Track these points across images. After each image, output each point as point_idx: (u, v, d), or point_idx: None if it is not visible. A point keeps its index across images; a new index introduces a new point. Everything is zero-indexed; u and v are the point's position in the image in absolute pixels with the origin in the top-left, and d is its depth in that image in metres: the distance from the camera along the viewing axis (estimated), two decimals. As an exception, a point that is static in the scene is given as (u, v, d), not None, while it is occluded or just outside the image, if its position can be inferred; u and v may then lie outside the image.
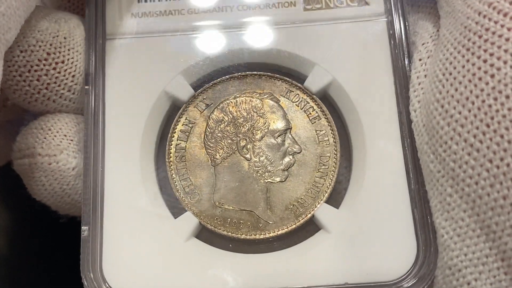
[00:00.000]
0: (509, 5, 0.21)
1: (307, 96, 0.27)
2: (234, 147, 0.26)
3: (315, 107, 0.27)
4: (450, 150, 0.22)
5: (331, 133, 0.26)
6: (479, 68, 0.22)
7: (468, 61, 0.22)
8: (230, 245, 0.25)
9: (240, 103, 0.27)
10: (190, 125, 0.27)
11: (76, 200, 0.27)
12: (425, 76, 0.25)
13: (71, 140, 0.26)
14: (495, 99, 0.21)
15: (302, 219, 0.25)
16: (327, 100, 0.27)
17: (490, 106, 0.21)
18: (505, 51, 0.21)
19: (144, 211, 0.25)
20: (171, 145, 0.26)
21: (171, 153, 0.26)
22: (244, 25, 0.27)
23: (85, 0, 0.28)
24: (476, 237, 0.22)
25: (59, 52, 0.26)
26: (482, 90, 0.21)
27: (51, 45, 0.26)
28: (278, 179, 0.26)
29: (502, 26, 0.21)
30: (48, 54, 0.26)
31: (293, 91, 0.27)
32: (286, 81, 0.27)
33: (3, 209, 0.40)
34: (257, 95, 0.27)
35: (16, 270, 0.39)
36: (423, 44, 0.26)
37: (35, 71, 0.26)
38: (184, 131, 0.27)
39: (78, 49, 0.27)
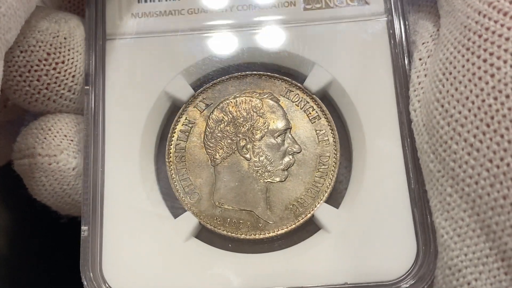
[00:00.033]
0: (509, 4, 0.21)
1: (307, 96, 0.27)
2: (234, 147, 0.26)
3: (315, 106, 0.27)
4: (450, 150, 0.22)
5: (331, 133, 0.26)
6: (479, 68, 0.21)
7: (468, 60, 0.22)
8: (230, 245, 0.25)
9: (240, 103, 0.27)
10: (190, 125, 0.27)
11: (77, 200, 0.27)
12: (425, 75, 0.25)
13: (71, 140, 0.27)
14: (495, 98, 0.21)
15: (302, 219, 0.25)
16: (327, 100, 0.27)
17: (490, 105, 0.21)
18: (505, 50, 0.21)
19: (144, 211, 0.25)
20: (171, 145, 0.27)
21: (171, 153, 0.26)
22: (244, 25, 0.27)
23: (85, 0, 0.28)
24: (476, 237, 0.22)
25: (59, 53, 0.26)
26: (482, 89, 0.21)
27: (51, 45, 0.26)
28: (277, 179, 0.26)
29: (502, 25, 0.21)
30: (48, 54, 0.26)
31: (293, 91, 0.27)
32: (286, 81, 0.27)
33: (3, 209, 0.41)
34: (257, 95, 0.27)
35: (16, 270, 0.39)
36: (423, 43, 0.26)
37: (35, 71, 0.26)
38: (184, 131, 0.27)
39: (78, 49, 0.27)
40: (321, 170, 0.26)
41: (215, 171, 0.26)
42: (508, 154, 0.21)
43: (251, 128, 0.26)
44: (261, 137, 0.26)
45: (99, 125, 0.26)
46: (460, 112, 0.22)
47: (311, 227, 0.26)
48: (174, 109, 0.27)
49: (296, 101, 0.27)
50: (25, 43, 0.25)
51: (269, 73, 0.27)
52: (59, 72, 0.26)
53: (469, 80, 0.22)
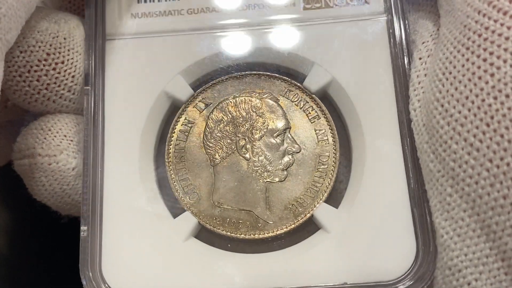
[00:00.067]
0: (508, 4, 0.21)
1: (307, 96, 0.27)
2: (233, 147, 0.26)
3: (314, 106, 0.27)
4: (450, 150, 0.22)
5: (331, 133, 0.26)
6: (479, 67, 0.21)
7: (468, 60, 0.22)
8: (229, 245, 0.25)
9: (239, 103, 0.27)
10: (190, 125, 0.27)
11: (77, 201, 0.27)
12: (425, 75, 0.25)
13: (71, 141, 0.27)
14: (495, 98, 0.21)
15: (301, 219, 0.25)
16: (326, 100, 0.27)
17: (490, 105, 0.21)
18: (505, 50, 0.21)
19: (143, 211, 0.25)
20: (170, 145, 0.27)
21: (170, 153, 0.26)
22: (243, 25, 0.27)
23: (85, 0, 0.28)
24: (476, 237, 0.22)
25: (59, 53, 0.26)
26: (482, 89, 0.21)
27: (50, 45, 0.26)
28: (277, 178, 0.26)
29: (501, 24, 0.21)
30: (48, 54, 0.26)
31: (292, 91, 0.27)
32: (285, 81, 0.27)
33: (3, 209, 0.41)
34: (257, 95, 0.27)
35: (16, 270, 0.40)
36: (423, 42, 0.26)
37: (35, 71, 0.26)
38: (183, 131, 0.27)
39: (78, 50, 0.27)
40: (320, 170, 0.26)
41: (214, 171, 0.26)
42: (508, 153, 0.20)
43: (251, 128, 0.26)
44: (261, 137, 0.26)
45: (98, 125, 0.26)
46: (460, 112, 0.22)
47: (310, 227, 0.25)
48: (174, 109, 0.27)
49: (295, 101, 0.27)
50: (24, 44, 0.25)
51: (268, 73, 0.27)
52: (59, 73, 0.26)
53: (469, 80, 0.22)
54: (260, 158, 0.26)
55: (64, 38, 0.26)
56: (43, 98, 0.26)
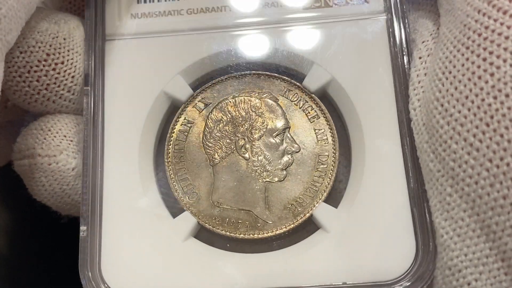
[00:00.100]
0: (508, 3, 0.21)
1: (306, 95, 0.27)
2: (232, 147, 0.26)
3: (314, 106, 0.27)
4: (449, 150, 0.22)
5: (330, 132, 0.26)
6: (479, 67, 0.21)
7: (467, 59, 0.22)
8: (228, 245, 0.25)
9: (239, 103, 0.27)
10: (189, 125, 0.27)
11: (76, 201, 0.27)
12: (425, 74, 0.25)
13: (71, 141, 0.27)
14: (495, 97, 0.21)
15: (300, 219, 0.25)
16: (326, 99, 0.27)
17: (489, 105, 0.21)
18: (505, 49, 0.21)
19: (143, 211, 0.25)
20: (170, 145, 0.27)
21: (169, 153, 0.26)
22: (243, 25, 0.27)
23: (85, 1, 0.28)
24: (476, 237, 0.22)
25: (59, 53, 0.26)
26: (481, 88, 0.21)
27: (50, 46, 0.26)
28: (276, 178, 0.26)
29: (501, 24, 0.21)
30: (48, 55, 0.26)
31: (291, 90, 0.27)
32: (285, 80, 0.27)
33: (3, 209, 0.41)
34: (256, 95, 0.27)
35: (16, 270, 0.40)
36: (423, 42, 0.26)
37: (35, 72, 0.26)
38: (183, 131, 0.27)
39: (77, 50, 0.27)
40: (320, 169, 0.26)
41: (213, 171, 0.26)
42: (508, 153, 0.20)
43: (250, 128, 0.26)
44: (260, 137, 0.26)
45: (98, 125, 0.26)
46: (459, 111, 0.22)
47: (310, 226, 0.25)
48: (173, 109, 0.27)
49: (295, 101, 0.27)
50: (24, 44, 0.25)
51: (268, 73, 0.27)
52: (59, 73, 0.26)
53: (469, 79, 0.22)
54: (259, 157, 0.26)
55: (64, 39, 0.26)
56: (43, 99, 0.26)
